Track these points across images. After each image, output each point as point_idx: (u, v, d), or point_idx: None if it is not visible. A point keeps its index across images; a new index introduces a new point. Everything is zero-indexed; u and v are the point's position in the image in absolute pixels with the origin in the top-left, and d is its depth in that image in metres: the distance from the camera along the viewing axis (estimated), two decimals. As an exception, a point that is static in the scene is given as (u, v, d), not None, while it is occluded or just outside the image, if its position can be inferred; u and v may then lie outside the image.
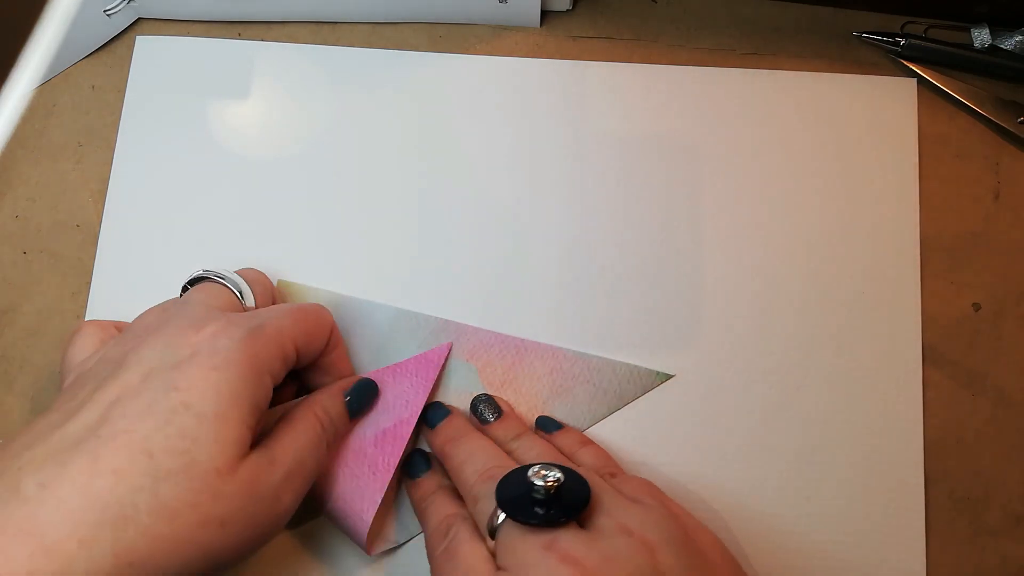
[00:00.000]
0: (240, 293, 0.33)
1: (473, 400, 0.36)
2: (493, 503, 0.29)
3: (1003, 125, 0.39)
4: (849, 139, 0.39)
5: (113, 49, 0.41)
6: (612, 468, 0.34)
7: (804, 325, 0.37)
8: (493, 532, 0.29)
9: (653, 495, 0.30)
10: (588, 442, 0.35)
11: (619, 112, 0.40)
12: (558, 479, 0.28)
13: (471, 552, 0.29)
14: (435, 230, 0.39)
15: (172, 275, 0.38)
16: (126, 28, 0.41)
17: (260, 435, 0.29)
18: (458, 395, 0.37)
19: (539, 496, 0.27)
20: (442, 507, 0.32)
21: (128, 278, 0.38)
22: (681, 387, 0.37)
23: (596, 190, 0.39)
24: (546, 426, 0.36)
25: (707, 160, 0.39)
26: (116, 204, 0.39)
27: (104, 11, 0.39)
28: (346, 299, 0.38)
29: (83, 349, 0.31)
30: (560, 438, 0.35)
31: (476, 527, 0.30)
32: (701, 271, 0.38)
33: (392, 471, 0.33)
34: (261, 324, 0.30)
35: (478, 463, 0.32)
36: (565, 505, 0.28)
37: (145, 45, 0.41)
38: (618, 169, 0.39)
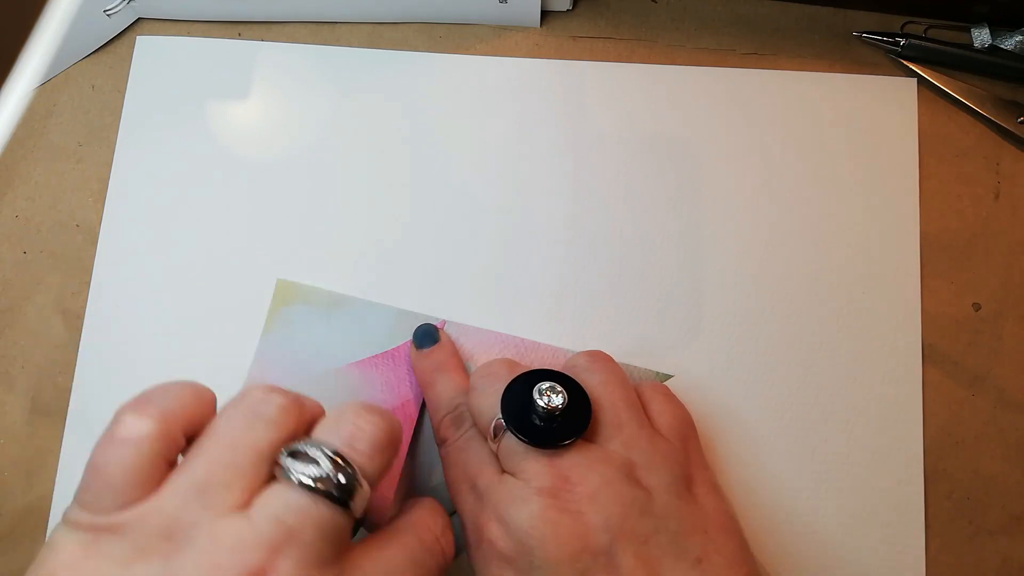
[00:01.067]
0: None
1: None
2: (496, 409, 0.30)
3: (1003, 125, 0.39)
4: (849, 139, 0.39)
5: (113, 49, 0.41)
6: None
7: (804, 325, 0.37)
8: (496, 433, 0.30)
9: (675, 426, 0.32)
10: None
11: (619, 112, 0.40)
12: (558, 406, 0.29)
13: (480, 451, 0.31)
14: (435, 230, 0.39)
15: (172, 275, 0.38)
16: (126, 28, 0.41)
17: None
18: None
19: (540, 413, 0.29)
20: (453, 388, 0.34)
21: (128, 278, 0.39)
22: (681, 387, 0.37)
23: (596, 190, 0.39)
24: None
25: (707, 160, 0.39)
26: (116, 204, 0.39)
27: (104, 11, 0.39)
28: (346, 299, 0.38)
29: (139, 483, 0.24)
30: None
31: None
32: (701, 271, 0.38)
33: (404, 451, 0.35)
34: None
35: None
36: (563, 427, 0.29)
37: (145, 45, 0.41)
38: (618, 169, 0.39)
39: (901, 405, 0.36)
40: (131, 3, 0.40)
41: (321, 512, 0.23)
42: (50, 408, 0.37)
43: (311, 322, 0.37)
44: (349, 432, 0.25)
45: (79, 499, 0.24)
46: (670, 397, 0.33)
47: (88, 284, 0.39)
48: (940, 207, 0.39)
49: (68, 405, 0.37)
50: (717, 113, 0.39)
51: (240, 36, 0.41)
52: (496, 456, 0.31)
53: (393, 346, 0.37)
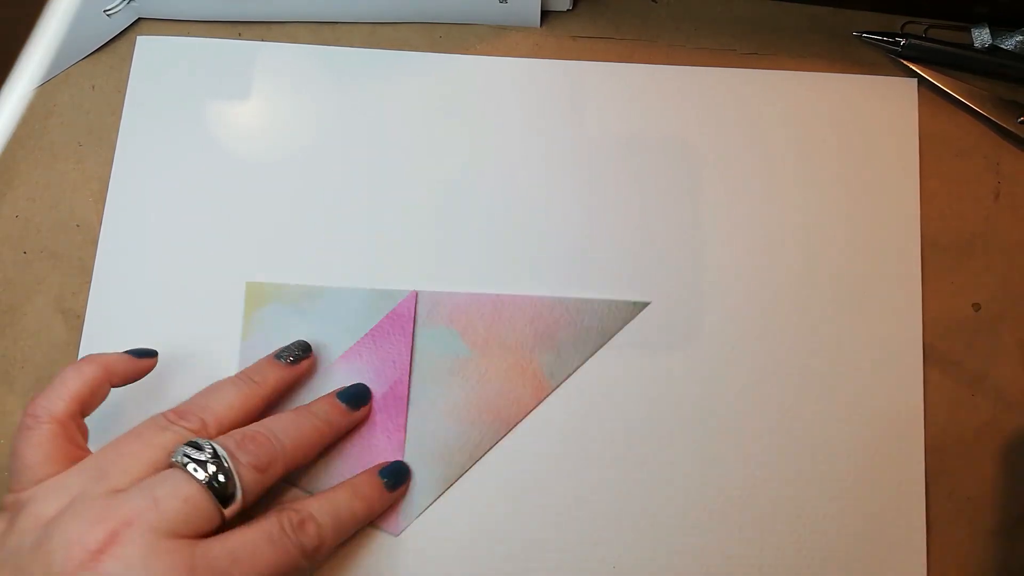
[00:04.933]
0: (219, 483, 0.28)
1: None
2: None
3: (1003, 125, 0.39)
4: (849, 139, 0.39)
5: (113, 49, 0.41)
6: None
7: (804, 325, 0.37)
8: None
9: None
10: None
11: (619, 112, 0.40)
12: None
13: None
14: (435, 230, 0.39)
15: (172, 275, 0.38)
16: (126, 28, 0.41)
17: None
18: (444, 360, 0.37)
19: None
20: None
21: (128, 278, 0.38)
22: (682, 388, 0.37)
23: (596, 189, 0.39)
24: None
25: (707, 160, 0.39)
26: (116, 204, 0.39)
27: (104, 11, 0.39)
28: (316, 289, 0.38)
29: (47, 458, 0.29)
30: None
31: None
32: (700, 270, 0.38)
33: (403, 429, 0.36)
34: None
35: None
36: None
37: (145, 45, 0.41)
38: (618, 169, 0.39)
39: (901, 405, 0.36)
40: (131, 3, 0.40)
41: (190, 490, 0.27)
42: (50, 408, 0.37)
43: (286, 319, 0.37)
44: (235, 443, 0.29)
45: (8, 484, 0.29)
46: None
47: (88, 284, 0.39)
48: (940, 207, 0.39)
49: (68, 405, 0.37)
50: (717, 113, 0.39)
51: (240, 36, 0.41)
52: None
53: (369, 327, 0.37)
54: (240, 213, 0.39)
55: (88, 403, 0.31)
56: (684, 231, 0.38)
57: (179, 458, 0.28)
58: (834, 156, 0.39)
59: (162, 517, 0.26)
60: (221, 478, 0.28)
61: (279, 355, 0.35)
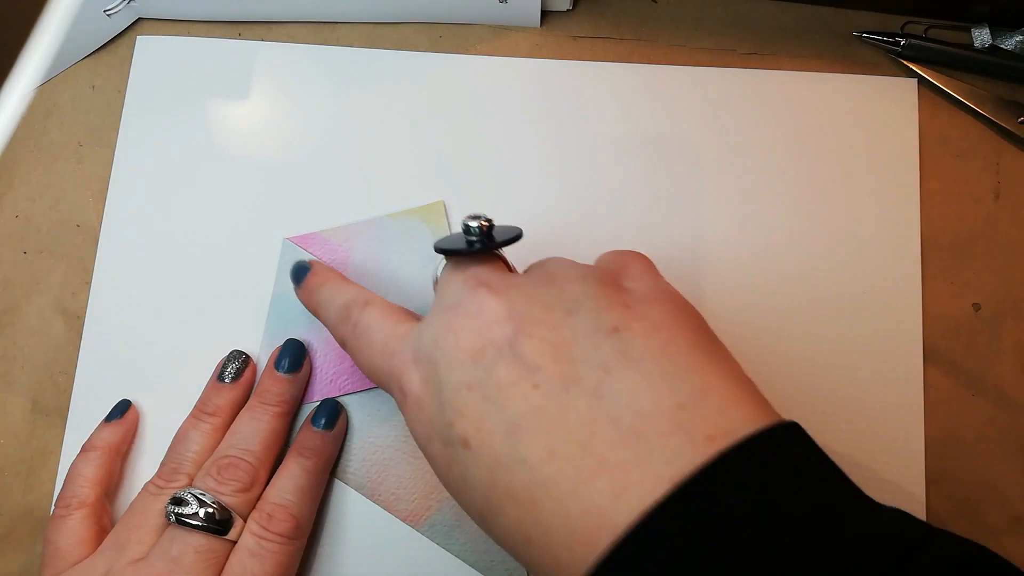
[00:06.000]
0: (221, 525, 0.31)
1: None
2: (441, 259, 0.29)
3: (1003, 125, 0.39)
4: (849, 139, 0.39)
5: (113, 49, 0.41)
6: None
7: (804, 325, 0.37)
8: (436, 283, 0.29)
9: (642, 275, 0.27)
10: None
11: (619, 112, 0.40)
12: (488, 220, 0.28)
13: (383, 318, 0.29)
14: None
15: (172, 275, 0.38)
16: (126, 28, 0.41)
17: None
18: None
19: (472, 237, 0.28)
20: (337, 294, 0.32)
21: (128, 278, 0.39)
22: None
23: (596, 190, 0.39)
24: None
25: (707, 160, 0.39)
26: (116, 204, 0.39)
27: (104, 11, 0.39)
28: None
29: (78, 542, 0.32)
30: None
31: (382, 302, 0.30)
32: (700, 270, 0.38)
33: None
34: None
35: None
36: (492, 238, 0.28)
37: (145, 45, 0.41)
38: (618, 169, 0.39)
39: (901, 405, 0.36)
40: (131, 3, 0.40)
41: (196, 539, 0.30)
42: (50, 408, 0.37)
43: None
44: (215, 479, 0.32)
45: (40, 571, 0.32)
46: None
47: (88, 284, 0.39)
48: (940, 207, 0.39)
49: (68, 405, 0.37)
50: (717, 113, 0.39)
51: (240, 36, 0.41)
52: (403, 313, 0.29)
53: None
54: (240, 213, 0.39)
55: (109, 484, 0.34)
56: (684, 231, 0.38)
57: (173, 518, 0.31)
58: (834, 156, 0.39)
59: (187, 571, 0.30)
60: (216, 516, 0.31)
61: (220, 376, 0.36)
